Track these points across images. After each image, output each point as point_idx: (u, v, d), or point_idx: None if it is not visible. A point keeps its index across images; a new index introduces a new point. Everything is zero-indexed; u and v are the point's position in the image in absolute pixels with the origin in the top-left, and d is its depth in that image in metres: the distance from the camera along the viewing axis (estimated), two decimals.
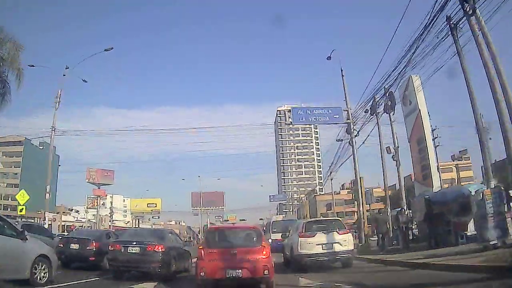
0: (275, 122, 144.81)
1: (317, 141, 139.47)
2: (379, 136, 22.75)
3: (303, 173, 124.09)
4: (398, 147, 21.70)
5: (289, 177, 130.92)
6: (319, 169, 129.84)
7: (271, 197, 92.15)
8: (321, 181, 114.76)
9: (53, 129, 23.54)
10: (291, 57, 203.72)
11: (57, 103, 23.39)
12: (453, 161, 68.58)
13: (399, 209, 20.89)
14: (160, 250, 10.89)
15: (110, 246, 11.70)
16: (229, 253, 8.65)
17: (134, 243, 11.16)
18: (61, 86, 24.25)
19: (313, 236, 12.68)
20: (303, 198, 76.20)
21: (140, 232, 15.89)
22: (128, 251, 10.90)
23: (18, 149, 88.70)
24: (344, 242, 12.86)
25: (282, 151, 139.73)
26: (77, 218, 76.16)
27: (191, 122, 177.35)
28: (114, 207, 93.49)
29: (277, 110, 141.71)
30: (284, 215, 45.70)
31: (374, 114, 22.64)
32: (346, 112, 24.09)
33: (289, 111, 24.55)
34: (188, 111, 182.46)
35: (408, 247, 17.11)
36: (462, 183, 47.68)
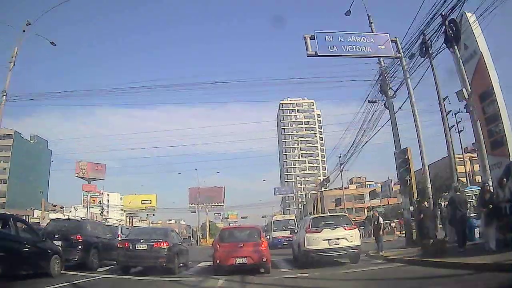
0: (277, 117, 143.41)
1: (321, 135, 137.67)
2: (436, 85, 16.42)
3: (307, 169, 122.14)
4: (471, 92, 15.42)
5: (292, 173, 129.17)
6: (323, 165, 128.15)
7: (276, 189, 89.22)
8: (325, 177, 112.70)
9: (4, 93, 20.68)
10: (293, 55, 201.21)
11: (12, 63, 20.92)
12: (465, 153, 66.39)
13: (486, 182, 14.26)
14: (165, 247, 12.35)
15: (118, 244, 13.08)
16: (237, 246, 12.09)
17: (142, 240, 12.53)
18: (19, 44, 21.62)
19: (320, 232, 13.14)
20: (310, 193, 73.83)
21: (146, 230, 17.85)
22: (136, 248, 12.21)
23: (7, 143, 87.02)
24: (351, 237, 13.20)
25: (285, 145, 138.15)
26: (68, 216, 74.16)
27: (192, 121, 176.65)
28: (112, 205, 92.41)
29: (280, 103, 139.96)
30: (283, 216, 47.73)
31: (426, 56, 16.08)
32: (394, 43, 17.53)
33: (312, 37, 17.20)
34: (190, 111, 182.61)
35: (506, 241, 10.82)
36: (477, 177, 45.38)
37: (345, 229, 13.29)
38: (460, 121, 34.20)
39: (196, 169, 76.83)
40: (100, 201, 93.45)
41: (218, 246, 12.47)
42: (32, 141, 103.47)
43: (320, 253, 12.94)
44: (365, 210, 69.81)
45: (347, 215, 15.87)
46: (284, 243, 28.20)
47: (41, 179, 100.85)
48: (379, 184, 70.75)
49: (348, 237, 13.13)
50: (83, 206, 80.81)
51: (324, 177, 39.01)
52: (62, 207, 52.82)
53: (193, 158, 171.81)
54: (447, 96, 38.14)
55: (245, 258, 11.84)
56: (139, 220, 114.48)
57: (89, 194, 57.71)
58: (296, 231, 16.95)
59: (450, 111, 36.38)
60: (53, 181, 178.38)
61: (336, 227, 13.35)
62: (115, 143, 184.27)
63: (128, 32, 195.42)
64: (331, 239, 12.99)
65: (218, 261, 12.04)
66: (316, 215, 18.59)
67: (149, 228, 25.22)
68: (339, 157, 40.44)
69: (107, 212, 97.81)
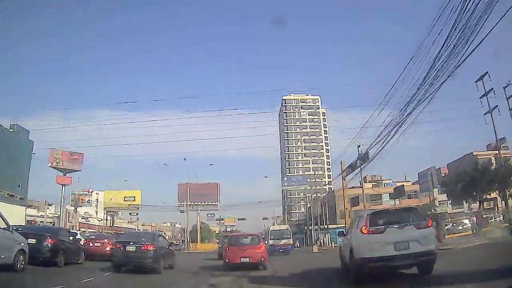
0: (279, 113, 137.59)
1: (326, 135, 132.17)
2: None
3: (311, 169, 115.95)
4: None
5: (295, 173, 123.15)
6: (328, 167, 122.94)
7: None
8: (330, 179, 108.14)
9: None
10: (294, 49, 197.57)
11: None
12: (487, 150, 61.51)
13: None
14: (151, 249, 14.40)
15: (112, 245, 16.79)
16: (242, 248, 16.25)
17: (131, 243, 14.72)
18: None
19: (382, 233, 10.05)
20: (315, 195, 67.44)
21: (136, 234, 22.23)
22: (127, 249, 14.40)
23: None
24: (424, 239, 9.92)
25: (288, 144, 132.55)
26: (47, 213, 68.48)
27: (190, 123, 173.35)
28: (101, 202, 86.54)
29: (283, 99, 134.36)
30: (279, 226, 48.07)
31: None
32: None
33: None
34: (189, 114, 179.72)
35: None
36: None
37: (417, 228, 9.94)
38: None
39: (185, 159, 65.90)
40: (88, 200, 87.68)
41: (227, 248, 16.66)
42: (11, 130, 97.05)
43: (382, 262, 9.63)
44: None
45: (416, 208, 12.83)
46: (280, 251, 32.55)
47: (21, 172, 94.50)
48: (397, 183, 65.14)
49: (421, 239, 9.79)
50: (70, 205, 74.98)
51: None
52: (21, 199, 46.46)
53: (190, 161, 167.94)
54: (487, 72, 32.24)
55: (248, 258, 15.49)
56: (129, 221, 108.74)
57: (63, 187, 51.44)
58: (345, 233, 13.93)
59: (492, 89, 31.56)
60: (38, 176, 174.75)
61: (404, 226, 10.04)
62: (111, 142, 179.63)
63: (127, 34, 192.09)
64: (398, 243, 9.66)
65: (227, 260, 16.00)
66: (375, 209, 14.07)
67: (139, 232, 30.23)
68: (358, 146, 34.71)
69: (96, 212, 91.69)
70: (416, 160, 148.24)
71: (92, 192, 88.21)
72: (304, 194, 77.02)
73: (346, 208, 34.92)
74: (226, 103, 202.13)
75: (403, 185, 44.13)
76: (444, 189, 43.80)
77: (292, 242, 38.81)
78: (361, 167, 31.40)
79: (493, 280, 7.81)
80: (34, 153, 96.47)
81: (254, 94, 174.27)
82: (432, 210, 42.16)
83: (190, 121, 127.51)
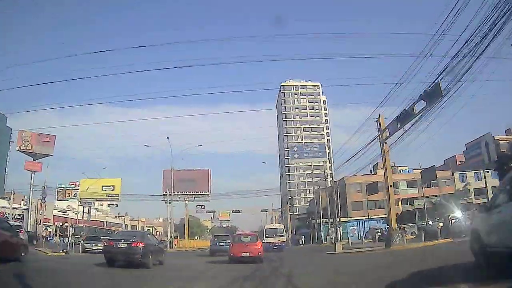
0: (277, 101, 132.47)
1: (327, 124, 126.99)
2: None
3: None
4: None
5: (295, 165, 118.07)
6: (329, 157, 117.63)
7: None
8: (331, 172, 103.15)
9: None
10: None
11: None
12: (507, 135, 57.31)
13: None
14: (141, 246, 16.42)
15: (104, 242, 19.29)
16: (243, 245, 20.66)
17: (123, 240, 16.83)
18: None
19: None
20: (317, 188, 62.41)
21: (127, 232, 27.21)
22: (118, 246, 16.47)
23: None
24: None
25: (287, 133, 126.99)
26: (20, 205, 63.27)
27: (188, 121, 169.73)
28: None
29: (281, 86, 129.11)
30: (273, 225, 51.12)
31: None
32: None
33: None
34: (184, 110, 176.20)
35: None
36: None
37: None
38: None
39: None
40: (75, 193, 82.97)
41: (232, 244, 21.37)
42: None
43: None
44: (400, 202, 63.44)
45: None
46: (274, 248, 34.55)
47: None
48: (414, 170, 60.49)
49: None
50: (57, 199, 69.73)
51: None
52: None
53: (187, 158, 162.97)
54: None
55: (248, 253, 19.88)
56: (116, 216, 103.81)
57: (33, 174, 46.12)
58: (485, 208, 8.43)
59: None
60: (20, 165, 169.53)
61: None
62: (108, 140, 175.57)
63: (127, 34, 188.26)
64: None
65: (231, 254, 20.26)
66: None
67: (130, 231, 35.04)
68: (377, 120, 29.55)
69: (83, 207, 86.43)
70: (421, 151, 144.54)
71: (79, 185, 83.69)
72: (306, 186, 72.05)
73: (390, 186, 27.34)
74: (221, 96, 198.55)
75: (434, 165, 38.25)
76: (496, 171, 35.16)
77: (285, 240, 42.15)
78: (424, 111, 22.22)
79: (493, 280, 6.85)
80: (12, 141, 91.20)
81: (251, 86, 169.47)
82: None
83: (184, 114, 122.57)
